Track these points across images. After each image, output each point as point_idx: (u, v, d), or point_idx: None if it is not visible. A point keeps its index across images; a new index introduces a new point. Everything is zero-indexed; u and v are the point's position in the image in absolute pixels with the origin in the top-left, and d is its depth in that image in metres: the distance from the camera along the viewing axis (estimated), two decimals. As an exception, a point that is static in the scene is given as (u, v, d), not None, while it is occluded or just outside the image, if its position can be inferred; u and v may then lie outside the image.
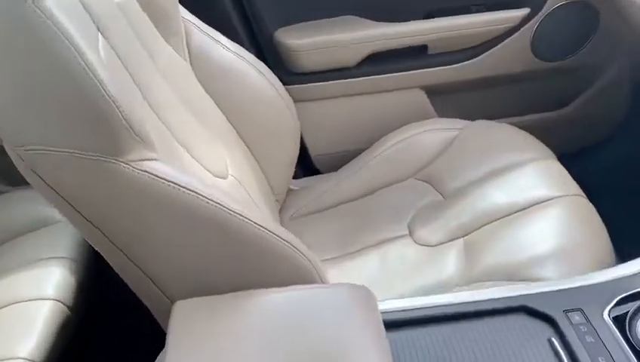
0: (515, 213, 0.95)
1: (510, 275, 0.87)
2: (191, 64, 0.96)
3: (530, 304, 0.69)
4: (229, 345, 0.58)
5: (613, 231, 0.93)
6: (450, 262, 0.93)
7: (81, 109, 0.55)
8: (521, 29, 1.16)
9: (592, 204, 0.96)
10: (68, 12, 0.54)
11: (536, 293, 0.70)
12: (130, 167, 0.58)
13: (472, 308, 0.69)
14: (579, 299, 0.68)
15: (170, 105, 0.80)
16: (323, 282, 0.70)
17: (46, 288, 0.92)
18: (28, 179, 0.60)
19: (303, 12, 1.20)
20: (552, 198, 0.95)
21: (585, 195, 0.96)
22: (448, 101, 1.25)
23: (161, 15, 0.89)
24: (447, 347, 0.66)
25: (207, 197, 0.61)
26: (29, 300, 0.91)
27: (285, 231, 0.70)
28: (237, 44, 1.02)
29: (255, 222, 0.65)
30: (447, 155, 1.09)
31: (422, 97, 1.24)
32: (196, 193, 0.61)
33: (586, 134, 1.32)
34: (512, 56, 1.20)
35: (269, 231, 0.66)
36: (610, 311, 0.66)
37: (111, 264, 0.67)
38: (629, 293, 0.67)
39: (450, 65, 1.20)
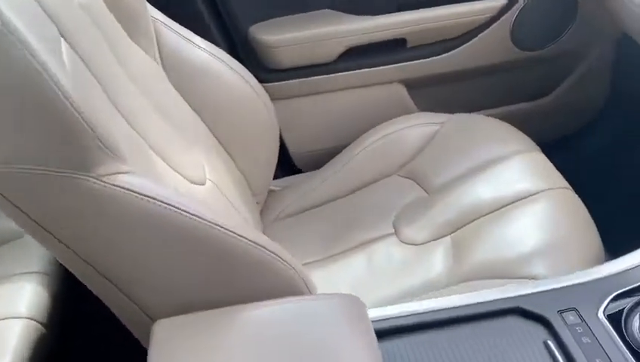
0: (501, 208, 0.94)
1: (499, 273, 0.85)
2: (163, 66, 0.92)
3: (524, 305, 0.67)
4: (214, 365, 0.55)
5: (599, 222, 0.92)
6: (437, 260, 0.91)
7: (45, 123, 0.51)
8: (501, 19, 1.14)
9: (577, 193, 0.95)
10: (22, 15, 0.49)
11: (529, 294, 0.69)
12: (102, 183, 0.54)
13: (464, 312, 0.67)
14: (572, 298, 0.67)
15: (143, 110, 0.76)
16: (310, 292, 0.67)
17: (18, 306, 0.88)
18: (-9, 198, 0.56)
19: (277, 7, 1.16)
20: (538, 192, 0.93)
21: (571, 187, 0.95)
22: (428, 94, 1.23)
23: (129, 15, 0.84)
24: (442, 355, 0.64)
25: (185, 211, 0.58)
26: (2, 319, 0.87)
27: (268, 240, 0.67)
28: (210, 43, 0.98)
29: (237, 233, 0.62)
30: (430, 150, 1.07)
31: (402, 91, 1.21)
32: (174, 206, 0.58)
33: (568, 122, 1.31)
34: (491, 47, 1.18)
35: (252, 241, 0.63)
36: (604, 310, 0.65)
37: (85, 283, 0.63)
38: (622, 290, 0.66)
39: (429, 58, 1.18)
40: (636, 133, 1.23)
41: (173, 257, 0.60)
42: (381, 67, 1.17)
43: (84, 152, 0.53)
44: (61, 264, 0.95)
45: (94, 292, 0.63)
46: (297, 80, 1.17)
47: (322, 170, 1.13)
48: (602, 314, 0.64)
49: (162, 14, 0.93)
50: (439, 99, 1.23)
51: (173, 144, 0.80)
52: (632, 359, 0.60)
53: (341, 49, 1.15)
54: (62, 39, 0.59)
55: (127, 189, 0.56)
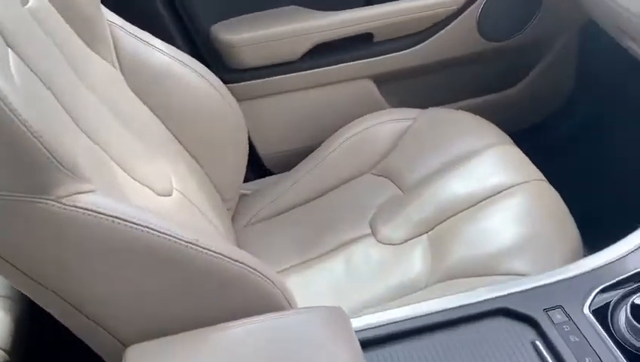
0: (477, 203, 0.93)
1: (479, 270, 0.84)
2: (121, 71, 0.87)
3: (509, 305, 0.66)
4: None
5: (573, 213, 0.92)
6: (416, 260, 0.90)
7: (-6, 145, 0.46)
8: (467, 11, 1.13)
9: (549, 183, 0.95)
10: None
11: (514, 293, 0.68)
12: (62, 205, 0.50)
13: (450, 316, 0.66)
14: (557, 296, 0.66)
15: (103, 121, 0.72)
16: (290, 305, 0.64)
17: (-20, 334, 0.83)
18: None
19: (239, 5, 1.12)
20: (513, 185, 0.93)
21: (545, 179, 0.94)
22: (398, 89, 1.21)
23: (82, 19, 0.79)
24: (429, 361, 0.62)
25: (153, 229, 0.54)
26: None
27: (245, 253, 0.63)
28: (170, 46, 0.94)
29: (209, 249, 0.58)
30: (403, 147, 1.05)
31: (371, 87, 1.19)
32: (140, 225, 0.54)
33: (537, 111, 1.32)
34: (459, 39, 1.16)
35: (228, 257, 0.60)
36: (590, 305, 0.64)
37: (49, 311, 0.59)
38: (606, 284, 0.65)
39: (397, 53, 1.16)
40: (604, 119, 1.25)
41: (144, 279, 0.56)
42: (349, 63, 1.15)
43: (39, 174, 0.49)
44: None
45: (60, 320, 0.59)
46: (263, 79, 1.14)
47: (294, 171, 1.10)
48: (588, 310, 0.63)
49: (119, 17, 0.88)
50: (409, 94, 1.21)
51: (137, 155, 0.76)
52: (621, 355, 0.59)
53: (307, 46, 1.12)
54: (9, 50, 0.54)
55: (89, 210, 0.52)
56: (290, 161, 1.17)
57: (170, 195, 0.81)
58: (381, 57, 1.16)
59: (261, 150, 1.22)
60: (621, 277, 0.66)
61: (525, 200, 0.91)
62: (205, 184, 0.96)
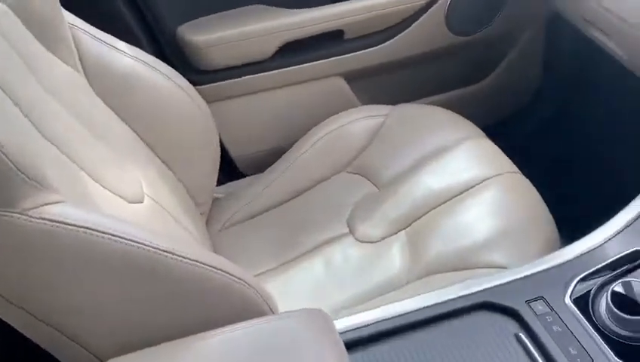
0: (453, 198, 0.93)
1: (458, 264, 0.84)
2: (85, 76, 0.84)
3: (491, 299, 0.66)
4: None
5: (547, 202, 0.92)
6: (395, 257, 0.89)
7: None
8: (434, 6, 1.13)
9: (523, 175, 0.96)
10: None
11: (495, 286, 0.67)
12: (28, 217, 0.48)
13: (433, 313, 0.65)
14: (538, 287, 0.66)
15: (69, 129, 0.69)
16: (272, 311, 0.63)
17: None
18: None
19: (205, 5, 1.10)
20: (487, 178, 0.93)
21: (519, 171, 0.95)
22: (369, 86, 1.21)
23: (41, 23, 0.76)
24: (414, 360, 0.61)
25: (127, 238, 0.52)
26: None
27: (221, 258, 0.62)
28: (136, 48, 0.91)
29: (186, 257, 0.56)
30: (377, 144, 1.05)
31: (342, 85, 1.18)
32: (113, 235, 0.52)
33: (507, 103, 1.33)
34: (427, 34, 1.16)
35: (203, 263, 0.58)
36: (571, 295, 0.64)
37: (20, 330, 0.56)
38: (586, 273, 0.66)
39: (367, 49, 1.15)
40: (573, 110, 1.26)
41: (120, 291, 0.54)
42: (319, 61, 1.13)
43: (3, 187, 0.46)
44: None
45: (32, 339, 0.56)
46: (232, 80, 1.12)
47: (268, 173, 1.09)
48: (569, 300, 0.64)
49: (80, 20, 0.85)
50: (380, 91, 1.21)
51: (106, 162, 0.74)
52: (603, 343, 0.59)
53: (276, 45, 1.10)
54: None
55: (58, 221, 0.49)
56: (263, 163, 1.15)
57: (141, 202, 0.79)
58: (351, 54, 1.15)
59: (233, 152, 1.20)
60: (600, 266, 0.66)
61: (500, 192, 0.91)
62: (177, 189, 0.93)
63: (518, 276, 0.68)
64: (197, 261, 0.57)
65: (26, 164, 0.47)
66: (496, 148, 0.99)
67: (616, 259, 0.66)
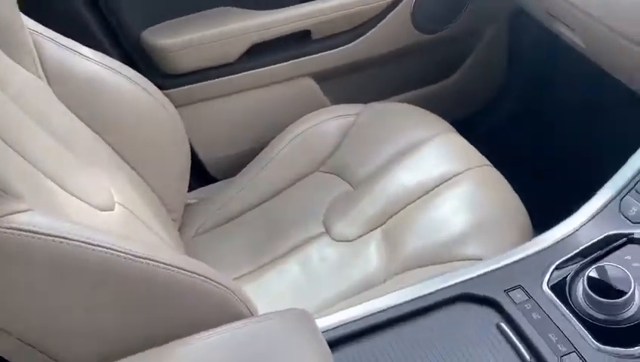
0: (427, 193, 0.93)
1: (435, 258, 0.85)
2: (48, 82, 0.81)
3: (469, 290, 0.66)
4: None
5: (519, 193, 0.94)
6: (372, 254, 0.89)
7: None
8: (400, 4, 1.14)
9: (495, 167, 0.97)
10: None
11: (472, 278, 0.68)
12: (-6, 227, 0.46)
13: (413, 307, 0.65)
14: (515, 276, 0.67)
15: (34, 137, 0.67)
16: (252, 313, 0.62)
17: None
18: None
19: (169, 8, 1.08)
20: (460, 172, 0.94)
21: (490, 164, 0.96)
22: (339, 86, 1.21)
23: (1, 30, 0.74)
24: (398, 355, 0.61)
25: (100, 246, 0.51)
26: None
27: (197, 262, 0.61)
28: (100, 53, 0.89)
29: (162, 263, 0.55)
30: (349, 143, 1.05)
31: (312, 85, 1.18)
32: (85, 242, 0.50)
33: (474, 98, 1.35)
34: (394, 33, 1.17)
35: (180, 268, 0.56)
36: (548, 282, 0.65)
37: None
38: (562, 260, 0.67)
39: (335, 49, 1.15)
40: (540, 102, 1.29)
41: (96, 300, 0.52)
42: (288, 62, 1.13)
43: (-33, 195, 0.44)
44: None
45: (4, 356, 0.54)
46: (201, 83, 1.10)
47: (240, 176, 1.08)
48: (547, 287, 0.64)
49: (41, 26, 0.82)
50: (350, 90, 1.21)
51: (74, 170, 0.71)
52: (582, 328, 0.60)
53: (244, 47, 1.09)
54: None
55: (27, 231, 0.48)
56: (234, 166, 1.14)
57: (112, 210, 0.77)
58: (320, 55, 1.15)
59: (203, 156, 1.18)
60: (574, 252, 0.67)
61: (472, 185, 0.92)
62: (148, 195, 0.91)
63: (495, 266, 0.68)
64: (174, 266, 0.56)
65: (-10, 172, 0.45)
66: (466, 142, 1.00)
67: (590, 245, 0.67)
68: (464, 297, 0.66)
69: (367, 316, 0.65)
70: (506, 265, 0.68)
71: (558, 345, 0.59)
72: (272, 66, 1.13)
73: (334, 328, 0.63)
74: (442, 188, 0.93)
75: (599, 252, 0.66)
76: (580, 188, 0.77)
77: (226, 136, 1.18)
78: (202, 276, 0.58)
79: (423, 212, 0.91)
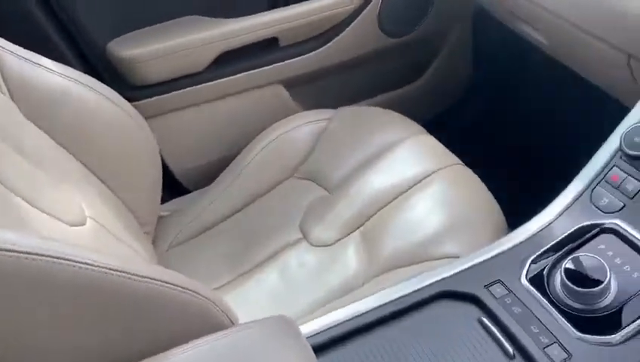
0: (402, 194, 0.94)
1: (414, 258, 0.85)
2: (11, 97, 0.79)
3: (450, 287, 0.67)
4: None
5: (491, 190, 0.95)
6: (351, 258, 0.89)
7: None
8: (366, 9, 1.15)
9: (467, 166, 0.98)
10: None
11: (452, 275, 0.68)
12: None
13: (394, 308, 0.65)
14: (493, 271, 0.67)
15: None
16: (233, 323, 0.61)
17: None
18: None
19: (135, 19, 1.07)
20: (433, 172, 0.95)
21: (462, 162, 0.97)
22: (309, 92, 1.21)
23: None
24: (383, 356, 0.61)
25: (73, 260, 0.49)
26: None
27: (173, 273, 0.59)
28: (64, 66, 0.87)
29: (138, 275, 0.53)
30: (322, 148, 1.05)
31: (282, 92, 1.18)
32: (58, 258, 0.48)
33: (442, 99, 1.37)
34: (362, 37, 1.18)
35: (157, 280, 0.55)
36: (526, 275, 0.66)
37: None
38: (538, 253, 0.68)
39: (304, 56, 1.15)
40: (506, 100, 1.32)
41: (72, 318, 0.50)
42: (257, 70, 1.13)
43: None
44: None
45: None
46: (169, 94, 1.09)
47: (213, 186, 1.06)
48: (525, 280, 0.65)
49: (2, 39, 0.80)
50: (321, 95, 1.21)
51: (42, 185, 0.69)
52: (562, 318, 0.61)
53: (212, 55, 1.08)
54: None
55: (-4, 248, 0.46)
56: (207, 177, 1.12)
57: (83, 224, 0.75)
58: (288, 61, 1.14)
59: (175, 168, 1.16)
60: (550, 245, 0.68)
61: (445, 185, 0.93)
62: (119, 209, 0.90)
63: (473, 263, 0.69)
64: (150, 278, 0.54)
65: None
66: (437, 142, 1.01)
67: (565, 237, 0.68)
68: (445, 295, 0.66)
69: (350, 319, 0.64)
70: (484, 261, 0.69)
71: (540, 337, 0.59)
72: (241, 74, 1.12)
73: (318, 333, 0.62)
74: (416, 189, 0.94)
75: (574, 243, 0.67)
76: (551, 183, 0.78)
77: (197, 147, 1.16)
78: (180, 286, 0.57)
79: (398, 213, 0.92)
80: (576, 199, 0.72)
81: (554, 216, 0.71)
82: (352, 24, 1.16)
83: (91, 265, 0.50)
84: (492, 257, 0.69)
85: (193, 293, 0.58)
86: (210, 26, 1.07)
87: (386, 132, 1.05)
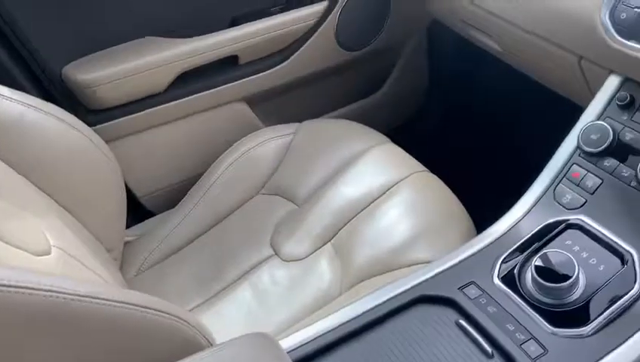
0: (371, 203, 0.95)
1: (387, 266, 0.86)
2: (-33, 128, 0.77)
3: (425, 291, 0.67)
4: None
5: (457, 195, 0.97)
6: (325, 270, 0.89)
7: None
8: (324, 24, 1.16)
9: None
10: None
11: (426, 279, 0.69)
12: None
13: (373, 316, 0.65)
14: (466, 273, 0.69)
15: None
16: (208, 340, 0.60)
17: None
18: None
19: (90, 42, 1.05)
20: (399, 180, 0.96)
21: (427, 169, 0.99)
22: (272, 107, 1.21)
23: None
24: (364, 365, 0.61)
25: (43, 289, 0.47)
26: None
27: (146, 296, 0.58)
28: (20, 92, 0.85)
29: (111, 300, 0.52)
30: (288, 162, 1.05)
31: (244, 109, 1.18)
32: (27, 288, 0.47)
33: (404, 108, 1.39)
34: (321, 52, 1.19)
35: (131, 304, 0.54)
36: (498, 274, 0.67)
37: None
38: (507, 253, 0.69)
39: (264, 72, 1.15)
40: (463, 105, 1.35)
41: (39, 345, 0.49)
42: (218, 88, 1.12)
43: None
44: None
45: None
46: (130, 116, 1.07)
47: (179, 207, 1.05)
48: (498, 279, 0.67)
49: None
50: (284, 111, 1.21)
51: (5, 217, 0.67)
52: (535, 314, 0.63)
53: (172, 76, 1.07)
54: None
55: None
56: (172, 198, 1.11)
57: (48, 254, 0.72)
58: (249, 78, 1.15)
59: (138, 191, 1.14)
60: (518, 244, 0.70)
61: (413, 192, 0.94)
62: (85, 237, 0.87)
63: (446, 266, 0.70)
64: (118, 301, 0.53)
65: None
66: (401, 150, 1.03)
67: (532, 235, 0.70)
68: (421, 299, 0.67)
69: (330, 331, 0.64)
70: (456, 264, 0.70)
71: (517, 334, 0.60)
72: (203, 93, 1.12)
73: (299, 346, 0.62)
74: (384, 198, 0.95)
75: (541, 240, 0.69)
76: (514, 183, 0.81)
77: (160, 168, 1.15)
78: (149, 308, 0.56)
79: (368, 223, 0.92)
80: (540, 198, 0.74)
81: (520, 216, 0.73)
82: (311, 39, 1.17)
83: (62, 292, 0.49)
84: (464, 259, 0.70)
85: (165, 314, 0.57)
86: (169, 47, 1.06)
87: (351, 143, 1.06)
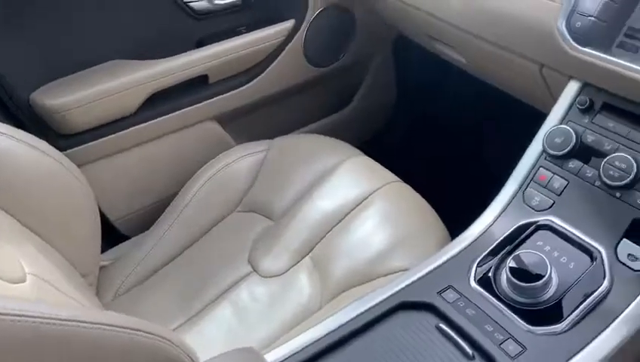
0: (345, 216, 0.96)
1: (366, 276, 0.87)
2: None
3: (405, 298, 0.68)
4: None
5: (429, 202, 0.99)
6: (304, 284, 0.89)
7: None
8: (292, 41, 1.18)
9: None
10: None
11: (404, 287, 0.70)
12: None
13: (355, 326, 0.66)
14: (443, 278, 0.70)
15: None
16: (192, 359, 0.59)
17: None
18: None
19: (57, 67, 1.04)
20: (373, 191, 0.97)
21: (400, 179, 1.01)
22: (243, 125, 1.22)
23: None
24: (349, 374, 0.61)
25: (26, 316, 0.47)
26: None
27: (127, 317, 0.57)
28: (-11, 120, 0.84)
29: (93, 322, 0.52)
30: (263, 179, 1.05)
31: (216, 128, 1.18)
32: (7, 314, 0.46)
33: (373, 121, 1.41)
34: (289, 69, 1.21)
35: (113, 325, 0.53)
36: (474, 277, 0.69)
37: None
38: (482, 256, 0.71)
39: (234, 91, 1.16)
40: (431, 115, 1.38)
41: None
42: (188, 108, 1.13)
43: None
44: None
45: None
46: (101, 140, 1.06)
47: (154, 229, 1.04)
48: (474, 282, 0.68)
49: None
50: (255, 128, 1.22)
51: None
52: (512, 314, 0.64)
53: (142, 98, 1.07)
54: None
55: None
56: (146, 220, 1.10)
57: (24, 281, 0.71)
58: (219, 97, 1.15)
59: (111, 215, 1.13)
60: (492, 247, 0.72)
61: (387, 202, 0.96)
62: (60, 263, 0.86)
63: (423, 272, 0.71)
64: (106, 324, 0.53)
65: None
66: (374, 162, 1.04)
67: (504, 238, 0.72)
68: (401, 306, 0.68)
69: (313, 342, 0.65)
70: (433, 270, 0.71)
71: (495, 334, 0.62)
72: (173, 114, 1.12)
73: (286, 359, 0.62)
74: (359, 209, 0.96)
75: (514, 242, 0.71)
76: (484, 189, 0.83)
77: (133, 191, 1.14)
78: (132, 329, 0.55)
79: (345, 235, 0.93)
80: (510, 201, 0.77)
81: (492, 220, 0.75)
82: (280, 57, 1.19)
83: (43, 317, 0.48)
84: (440, 265, 0.72)
85: (146, 334, 0.56)
86: (137, 68, 1.06)
87: (324, 157, 1.07)
